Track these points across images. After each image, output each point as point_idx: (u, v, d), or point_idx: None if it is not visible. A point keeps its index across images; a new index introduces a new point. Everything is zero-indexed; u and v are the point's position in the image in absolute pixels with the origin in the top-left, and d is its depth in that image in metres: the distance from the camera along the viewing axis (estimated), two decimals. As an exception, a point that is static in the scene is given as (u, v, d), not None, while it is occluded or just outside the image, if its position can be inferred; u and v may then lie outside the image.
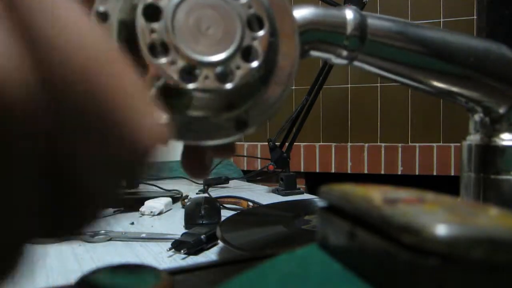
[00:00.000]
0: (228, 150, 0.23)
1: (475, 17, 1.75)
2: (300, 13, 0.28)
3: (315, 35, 0.29)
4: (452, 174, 1.71)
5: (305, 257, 0.18)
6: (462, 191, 0.37)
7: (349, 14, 0.30)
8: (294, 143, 0.99)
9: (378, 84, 1.83)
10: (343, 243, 0.17)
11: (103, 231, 0.61)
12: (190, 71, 0.17)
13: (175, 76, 0.17)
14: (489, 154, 0.35)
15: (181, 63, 0.17)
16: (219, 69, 0.17)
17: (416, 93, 1.78)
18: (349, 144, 1.87)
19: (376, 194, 0.16)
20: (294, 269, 0.17)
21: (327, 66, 0.91)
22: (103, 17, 0.18)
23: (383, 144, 1.82)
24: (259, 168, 1.35)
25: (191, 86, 0.17)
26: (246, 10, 0.18)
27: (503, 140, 0.34)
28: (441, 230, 0.13)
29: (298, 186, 0.97)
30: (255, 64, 0.18)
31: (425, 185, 0.30)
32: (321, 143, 1.91)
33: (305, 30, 0.28)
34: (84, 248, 0.56)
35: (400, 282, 0.14)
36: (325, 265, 0.17)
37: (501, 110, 0.34)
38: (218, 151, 0.22)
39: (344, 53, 0.30)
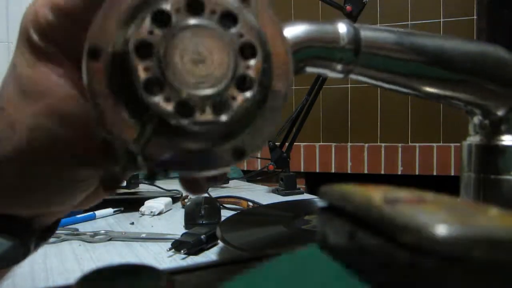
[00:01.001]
0: (222, 177, 0.25)
1: (475, 17, 1.75)
2: (293, 31, 0.28)
3: (309, 52, 0.29)
4: (452, 174, 1.71)
5: (305, 257, 0.18)
6: (462, 191, 0.37)
7: (342, 28, 0.30)
8: (294, 143, 0.99)
9: (378, 84, 1.83)
10: (343, 243, 0.17)
11: (103, 231, 0.61)
12: (185, 105, 0.17)
13: (171, 112, 0.17)
14: (489, 154, 0.35)
15: (176, 99, 0.17)
16: (214, 101, 0.17)
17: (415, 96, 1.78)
18: (349, 144, 1.87)
19: (376, 194, 0.16)
20: (294, 269, 0.17)
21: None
22: (95, 54, 0.18)
23: (383, 144, 1.82)
24: (259, 168, 1.35)
25: (187, 121, 0.17)
26: (238, 39, 0.18)
27: (503, 140, 0.34)
28: (441, 230, 0.13)
29: (298, 186, 0.97)
30: (250, 93, 0.18)
31: (425, 185, 0.30)
32: (321, 143, 1.91)
33: (299, 48, 0.28)
34: (84, 248, 0.56)
35: (400, 282, 0.14)
36: (325, 265, 0.17)
37: (500, 113, 0.34)
38: (212, 179, 0.24)
39: (339, 67, 0.30)
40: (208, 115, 0.17)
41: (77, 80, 0.22)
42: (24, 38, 0.22)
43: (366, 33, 0.30)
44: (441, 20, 1.74)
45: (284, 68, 0.19)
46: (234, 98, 0.18)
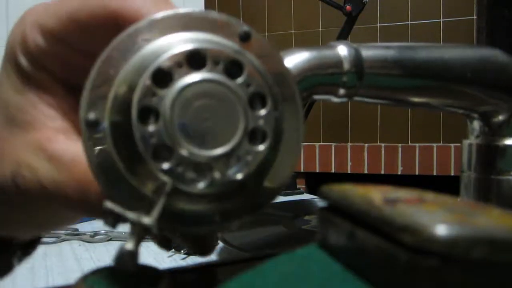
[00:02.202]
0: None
1: (475, 17, 1.75)
2: (294, 61, 0.28)
3: (313, 80, 0.28)
4: (452, 174, 1.71)
5: (305, 257, 0.18)
6: (462, 191, 0.37)
7: (343, 50, 0.29)
8: (294, 143, 0.99)
9: (378, 84, 1.83)
10: (343, 243, 0.17)
11: (103, 231, 0.61)
12: (197, 168, 0.16)
13: (184, 178, 0.16)
14: (489, 154, 0.35)
15: (187, 164, 0.16)
16: (226, 159, 0.16)
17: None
18: (349, 144, 1.87)
19: (376, 194, 0.16)
20: (294, 269, 0.17)
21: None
22: (94, 125, 0.16)
23: (383, 144, 1.82)
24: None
25: (201, 185, 0.16)
26: (245, 90, 0.16)
27: (503, 140, 0.34)
28: (441, 230, 0.13)
29: (298, 186, 0.97)
30: (263, 146, 0.16)
31: (425, 185, 0.30)
32: (321, 143, 1.91)
33: (302, 79, 0.28)
34: (84, 248, 0.56)
35: (400, 282, 0.14)
36: (325, 265, 0.17)
37: (501, 117, 0.34)
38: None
39: (343, 91, 0.30)
40: (220, 177, 0.16)
41: (69, 111, 0.20)
42: (11, 60, 0.20)
43: (367, 52, 0.30)
44: (441, 20, 1.74)
45: (294, 107, 0.18)
46: (247, 153, 0.16)
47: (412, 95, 0.32)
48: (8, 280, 0.44)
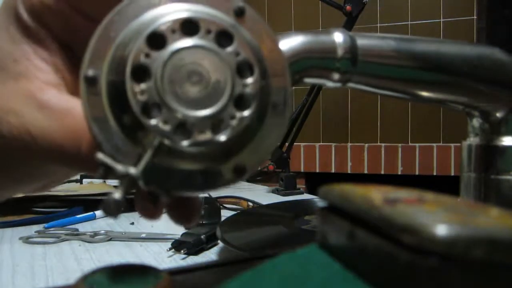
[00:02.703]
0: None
1: (475, 17, 1.74)
2: (289, 43, 0.28)
3: (306, 63, 0.29)
4: (452, 174, 1.71)
5: (305, 257, 0.18)
6: (462, 191, 0.37)
7: (338, 37, 0.30)
8: (294, 143, 0.99)
9: (378, 84, 1.83)
10: (343, 243, 0.17)
11: (103, 231, 0.61)
12: (184, 126, 0.17)
13: (170, 134, 0.17)
14: (489, 154, 0.35)
15: (174, 121, 0.17)
16: (212, 121, 0.17)
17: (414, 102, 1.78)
18: (349, 144, 1.87)
19: (376, 194, 0.16)
20: (294, 269, 0.17)
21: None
22: (92, 81, 0.18)
23: (383, 144, 1.82)
24: (259, 168, 1.35)
25: (186, 142, 0.17)
26: (234, 58, 0.18)
27: (503, 140, 0.34)
28: (441, 230, 0.13)
29: (298, 186, 0.97)
30: (248, 112, 0.18)
31: (425, 185, 0.30)
32: (321, 143, 1.91)
33: (295, 60, 0.28)
34: (84, 248, 0.56)
35: (400, 282, 0.14)
36: (325, 265, 0.17)
37: (499, 114, 0.34)
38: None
39: (337, 76, 0.30)
40: (207, 135, 0.17)
41: (62, 68, 0.20)
42: (11, 11, 0.20)
43: (363, 41, 0.30)
44: (441, 20, 1.74)
45: (282, 82, 0.19)
46: (232, 117, 0.18)
47: (407, 86, 0.33)
48: (8, 280, 0.44)
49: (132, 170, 0.17)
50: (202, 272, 0.23)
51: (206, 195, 0.84)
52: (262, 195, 0.94)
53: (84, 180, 1.00)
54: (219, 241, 0.53)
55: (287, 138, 0.98)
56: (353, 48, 0.30)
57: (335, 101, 1.88)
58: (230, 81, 0.17)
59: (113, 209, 0.17)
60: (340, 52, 0.29)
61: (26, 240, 0.58)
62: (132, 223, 0.68)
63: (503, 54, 0.33)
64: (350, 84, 0.31)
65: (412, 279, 0.13)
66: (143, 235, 0.60)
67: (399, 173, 1.79)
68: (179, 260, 0.50)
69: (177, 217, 0.21)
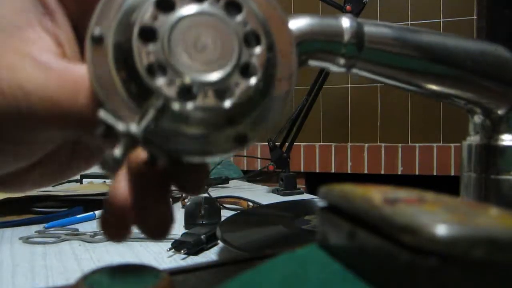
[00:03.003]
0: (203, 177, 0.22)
1: (475, 17, 1.75)
2: (296, 24, 0.28)
3: (312, 45, 0.29)
4: (452, 174, 1.71)
5: (305, 257, 0.18)
6: (462, 191, 0.37)
7: (346, 22, 0.30)
8: (294, 143, 0.99)
9: (378, 84, 1.83)
10: (343, 243, 0.17)
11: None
12: (188, 90, 0.17)
13: (174, 97, 0.17)
14: (489, 154, 0.35)
15: (179, 83, 0.17)
16: (217, 87, 0.17)
17: (415, 94, 1.78)
18: (349, 144, 1.87)
19: (376, 194, 0.16)
20: (294, 269, 0.17)
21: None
22: (98, 40, 0.18)
23: (383, 144, 1.82)
24: (259, 168, 1.35)
25: (190, 105, 0.17)
26: (242, 27, 0.18)
27: (503, 140, 0.34)
28: (441, 230, 0.13)
29: (298, 186, 0.97)
30: (253, 80, 0.18)
31: (425, 185, 0.30)
32: (321, 143, 1.91)
33: (302, 41, 0.28)
34: (84, 248, 0.56)
35: (400, 282, 0.14)
36: (325, 265, 0.17)
37: (500, 112, 0.34)
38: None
39: (342, 61, 0.30)
40: (210, 101, 0.17)
41: (66, 44, 0.20)
42: None
43: (369, 28, 0.30)
44: (441, 20, 1.74)
45: (288, 58, 0.19)
46: (237, 84, 0.18)
47: (411, 76, 0.33)
48: (8, 280, 0.44)
49: (134, 128, 0.17)
50: (202, 272, 0.24)
51: (206, 194, 0.84)
52: (262, 195, 0.94)
53: (84, 180, 1.00)
54: (219, 241, 0.53)
55: (287, 138, 0.98)
56: (359, 33, 0.30)
57: (335, 101, 1.88)
58: (237, 49, 0.18)
59: (111, 166, 0.17)
60: (346, 36, 0.29)
61: (26, 240, 0.58)
62: (132, 223, 0.68)
63: (506, 52, 0.33)
64: (354, 70, 0.31)
65: (412, 279, 0.13)
66: (143, 235, 0.60)
67: (399, 173, 1.79)
68: (179, 260, 0.50)
69: (182, 184, 0.21)
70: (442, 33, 0.35)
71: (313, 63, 0.30)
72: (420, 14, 1.77)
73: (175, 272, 0.23)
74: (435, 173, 1.75)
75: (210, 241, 0.54)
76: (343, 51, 0.30)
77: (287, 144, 0.98)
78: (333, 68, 0.31)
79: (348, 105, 1.88)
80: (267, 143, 0.97)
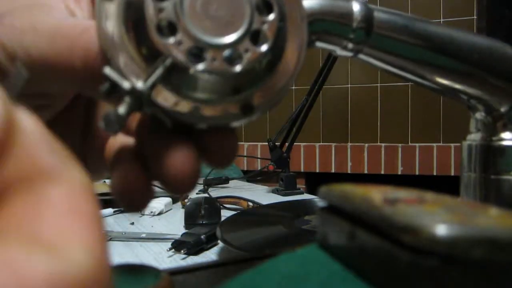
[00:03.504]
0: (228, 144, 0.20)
1: (475, 17, 1.74)
2: (307, 2, 0.28)
3: (321, 25, 0.29)
4: (452, 174, 1.71)
5: (305, 257, 0.18)
6: (462, 191, 0.37)
7: (356, 6, 0.30)
8: (294, 143, 0.99)
9: (378, 84, 1.83)
10: (343, 243, 0.17)
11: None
12: (197, 53, 0.17)
13: (182, 57, 0.17)
14: (489, 154, 0.35)
15: (188, 44, 0.17)
16: (227, 52, 0.17)
17: (416, 93, 1.78)
18: (349, 144, 1.87)
19: (376, 194, 0.16)
20: (294, 269, 0.17)
21: (327, 66, 0.91)
22: None
23: (383, 144, 1.82)
24: (259, 168, 1.35)
25: (198, 67, 0.17)
26: None
27: (503, 140, 0.34)
28: (441, 230, 0.13)
29: (298, 186, 0.97)
30: (264, 48, 0.18)
31: (425, 185, 0.30)
32: (321, 143, 1.91)
33: (312, 20, 0.28)
34: (84, 248, 0.56)
35: (400, 282, 0.14)
36: (325, 265, 0.17)
37: (503, 109, 0.34)
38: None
39: (350, 45, 0.30)
40: (219, 64, 0.17)
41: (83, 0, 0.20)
42: None
43: (379, 14, 0.30)
44: (441, 20, 1.74)
45: (299, 32, 0.19)
46: (247, 51, 0.18)
47: (417, 67, 0.33)
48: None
49: (140, 85, 0.17)
50: (202, 272, 0.24)
51: (206, 194, 0.84)
52: (262, 195, 0.94)
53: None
54: (219, 241, 0.53)
55: (287, 138, 0.98)
56: (369, 18, 0.30)
57: (335, 101, 1.88)
58: (248, 15, 0.18)
59: (114, 123, 0.16)
60: (356, 20, 0.29)
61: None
62: (132, 223, 0.68)
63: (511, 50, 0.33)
64: (361, 56, 0.31)
65: (412, 279, 0.13)
66: (143, 235, 0.60)
67: (399, 173, 1.79)
68: (179, 260, 0.50)
69: (209, 154, 0.19)
70: (451, 26, 0.35)
71: (320, 44, 0.30)
72: (420, 14, 1.77)
73: (175, 272, 0.23)
74: (435, 173, 1.75)
75: (210, 241, 0.54)
76: (351, 34, 0.30)
77: (287, 144, 0.98)
78: (340, 52, 0.31)
79: (348, 105, 1.88)
80: (267, 143, 0.97)
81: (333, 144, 1.89)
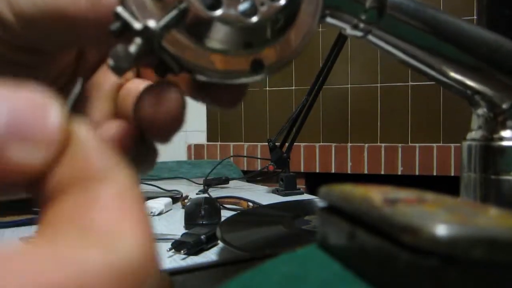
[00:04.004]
0: (239, 94, 0.20)
1: (475, 17, 1.75)
2: None
3: (334, 0, 0.29)
4: (452, 174, 1.71)
5: (305, 257, 0.18)
6: (462, 191, 0.37)
7: None
8: (294, 143, 0.99)
9: (378, 84, 1.83)
10: (343, 243, 0.17)
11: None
12: (213, 3, 0.17)
13: (199, 2, 0.17)
14: (489, 154, 0.35)
15: None
16: (243, 5, 0.17)
17: (416, 93, 1.78)
18: (349, 144, 1.87)
19: (376, 194, 0.16)
20: (294, 269, 0.17)
21: (327, 66, 0.91)
22: None
23: (383, 144, 1.82)
24: (259, 168, 1.35)
25: (213, 13, 0.17)
26: None
27: (503, 140, 0.34)
28: (441, 230, 0.13)
29: (298, 186, 0.97)
30: (281, 2, 0.18)
31: (425, 185, 0.30)
32: (321, 143, 1.91)
33: None
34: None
35: (400, 282, 0.14)
36: (325, 265, 0.17)
37: (505, 106, 0.34)
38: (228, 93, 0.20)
39: (361, 24, 0.30)
40: (234, 13, 0.17)
41: None
42: None
43: None
44: (441, 20, 1.74)
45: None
46: (263, 4, 0.17)
47: (425, 53, 0.33)
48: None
49: (152, 24, 0.16)
50: (202, 272, 0.24)
51: (206, 195, 0.84)
52: (262, 195, 0.94)
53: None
54: (219, 241, 0.53)
55: (287, 138, 0.98)
56: None
57: (335, 101, 1.88)
58: None
59: (122, 60, 0.16)
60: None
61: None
62: (132, 223, 0.68)
63: None
64: (370, 37, 0.31)
65: (412, 279, 0.13)
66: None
67: (399, 173, 1.79)
68: (179, 260, 0.50)
69: (216, 95, 0.20)
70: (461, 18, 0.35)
71: (331, 21, 0.30)
72: (420, 14, 1.77)
73: (175, 272, 0.23)
74: (435, 173, 1.75)
75: (210, 241, 0.54)
76: (363, 14, 0.30)
77: (287, 144, 0.98)
78: (350, 31, 0.31)
79: (348, 105, 1.88)
80: (267, 143, 0.97)
81: (333, 144, 1.89)
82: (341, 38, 0.87)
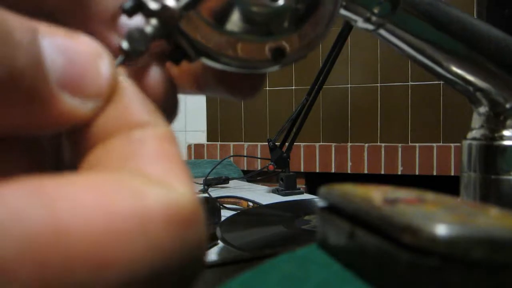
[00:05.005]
0: (257, 83, 0.20)
1: (475, 17, 1.74)
2: None
3: None
4: (452, 174, 1.71)
5: (305, 257, 0.18)
6: (462, 191, 0.37)
7: None
8: (294, 143, 0.99)
9: (378, 84, 1.83)
10: (343, 243, 0.17)
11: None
12: None
13: None
14: (489, 154, 0.35)
15: None
16: None
17: (416, 93, 1.78)
18: (349, 144, 1.87)
19: (376, 194, 0.16)
20: (294, 269, 0.17)
21: (327, 66, 0.91)
22: None
23: (383, 144, 1.82)
24: (259, 168, 1.35)
25: None
26: None
27: (503, 139, 0.34)
28: (441, 230, 0.13)
29: (298, 186, 0.97)
30: None
31: (425, 185, 0.30)
32: (321, 143, 1.91)
33: None
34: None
35: (400, 282, 0.14)
36: (325, 265, 0.17)
37: (508, 105, 0.34)
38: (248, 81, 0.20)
39: (373, 18, 0.30)
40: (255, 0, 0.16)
41: None
42: None
43: None
44: (441, 20, 1.74)
45: None
46: None
47: (434, 49, 0.32)
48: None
49: (171, 2, 0.15)
50: (202, 272, 0.23)
51: (206, 194, 0.84)
52: (262, 195, 0.94)
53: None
54: (219, 241, 0.53)
55: (287, 138, 0.98)
56: None
57: (335, 101, 1.88)
58: None
59: (138, 42, 0.15)
60: None
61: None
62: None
63: None
64: (381, 31, 0.31)
65: (412, 279, 0.13)
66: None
67: (399, 173, 1.79)
68: (179, 260, 0.50)
69: (234, 84, 0.19)
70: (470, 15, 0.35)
71: (344, 12, 0.30)
72: (420, 14, 1.77)
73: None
74: (435, 173, 1.75)
75: (210, 241, 0.54)
76: (376, 7, 0.30)
77: (287, 144, 0.98)
78: (361, 24, 0.31)
79: (348, 105, 1.88)
80: (267, 143, 0.97)
81: (333, 144, 1.89)
82: (342, 38, 0.87)
